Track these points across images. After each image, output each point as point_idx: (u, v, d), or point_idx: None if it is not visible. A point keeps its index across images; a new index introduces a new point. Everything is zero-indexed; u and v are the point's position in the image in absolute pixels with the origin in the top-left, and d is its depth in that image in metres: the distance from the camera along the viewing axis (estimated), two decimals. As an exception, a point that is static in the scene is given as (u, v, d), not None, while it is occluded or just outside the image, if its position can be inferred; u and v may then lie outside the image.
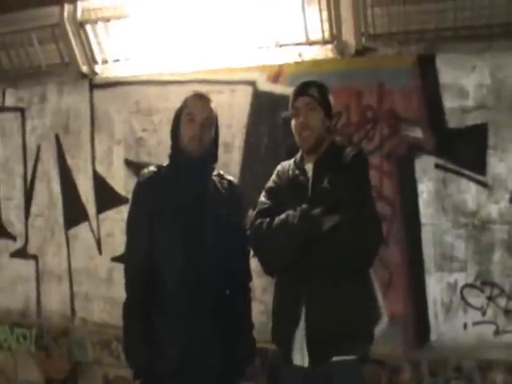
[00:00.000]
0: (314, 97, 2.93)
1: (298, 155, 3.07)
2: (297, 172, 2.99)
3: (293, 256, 2.81)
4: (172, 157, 3.03)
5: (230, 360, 2.96)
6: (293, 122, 2.98)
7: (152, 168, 3.04)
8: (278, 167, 3.13)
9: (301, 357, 2.81)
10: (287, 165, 3.09)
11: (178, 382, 2.86)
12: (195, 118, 2.92)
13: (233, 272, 3.02)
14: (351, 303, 2.77)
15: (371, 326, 2.96)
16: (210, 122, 2.99)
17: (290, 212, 2.81)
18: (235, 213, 3.08)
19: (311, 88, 2.95)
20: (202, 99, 3.01)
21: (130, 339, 2.93)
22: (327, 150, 2.94)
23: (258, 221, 2.94)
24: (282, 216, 2.83)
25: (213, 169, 3.08)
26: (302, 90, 2.96)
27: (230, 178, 3.15)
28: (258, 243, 2.97)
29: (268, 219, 2.89)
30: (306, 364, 2.80)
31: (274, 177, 3.10)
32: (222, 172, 3.13)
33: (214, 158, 3.08)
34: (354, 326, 2.77)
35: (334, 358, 2.76)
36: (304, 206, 2.79)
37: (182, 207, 2.89)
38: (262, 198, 3.05)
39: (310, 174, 2.93)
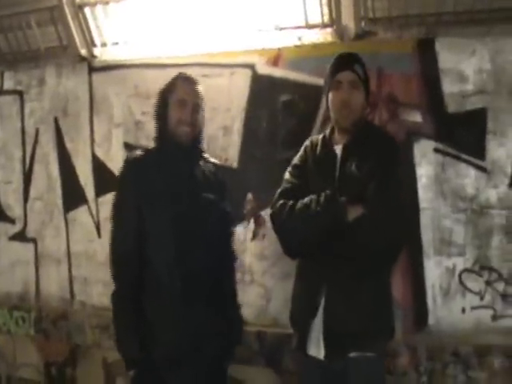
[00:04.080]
0: (358, 75, 2.80)
1: (328, 132, 2.95)
2: (325, 151, 2.88)
3: (313, 244, 2.71)
4: (159, 141, 3.00)
5: (223, 343, 2.96)
6: (331, 95, 2.85)
7: (138, 152, 3.02)
8: (307, 142, 3.02)
9: (317, 348, 2.75)
10: (316, 141, 2.96)
11: (172, 369, 2.84)
12: (187, 103, 2.90)
13: (221, 255, 3.02)
14: (373, 298, 2.70)
15: (391, 322, 2.89)
16: (200, 107, 2.97)
17: (314, 197, 2.69)
18: (221, 195, 3.06)
19: (357, 64, 2.82)
20: (192, 84, 2.98)
21: (121, 331, 2.90)
22: (360, 132, 2.81)
23: (281, 202, 2.83)
24: (306, 200, 2.72)
25: (201, 152, 3.07)
26: (347, 63, 2.82)
27: (214, 160, 3.14)
28: (279, 225, 2.87)
29: (291, 202, 2.78)
30: (322, 356, 2.73)
31: (301, 152, 2.99)
32: (207, 155, 3.12)
33: (202, 142, 3.07)
34: (375, 322, 2.70)
35: (352, 354, 2.69)
36: (328, 192, 2.67)
37: (170, 192, 2.86)
38: (287, 176, 2.95)
39: (338, 155, 2.81)
